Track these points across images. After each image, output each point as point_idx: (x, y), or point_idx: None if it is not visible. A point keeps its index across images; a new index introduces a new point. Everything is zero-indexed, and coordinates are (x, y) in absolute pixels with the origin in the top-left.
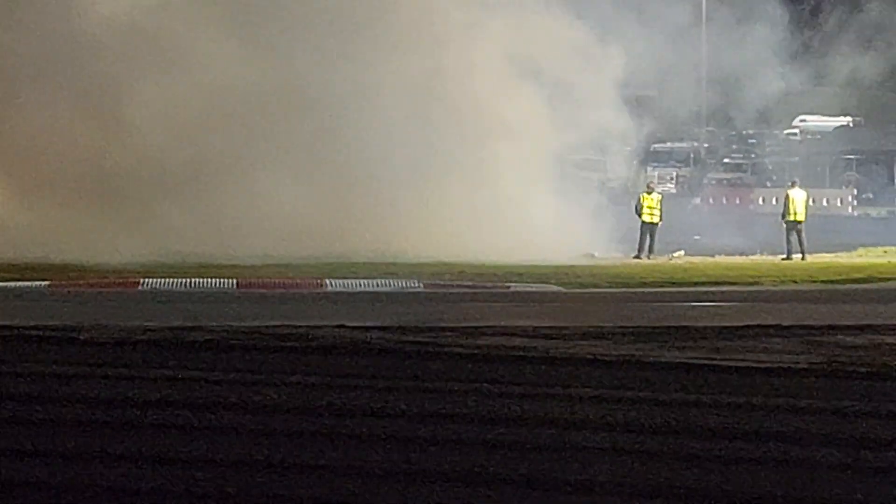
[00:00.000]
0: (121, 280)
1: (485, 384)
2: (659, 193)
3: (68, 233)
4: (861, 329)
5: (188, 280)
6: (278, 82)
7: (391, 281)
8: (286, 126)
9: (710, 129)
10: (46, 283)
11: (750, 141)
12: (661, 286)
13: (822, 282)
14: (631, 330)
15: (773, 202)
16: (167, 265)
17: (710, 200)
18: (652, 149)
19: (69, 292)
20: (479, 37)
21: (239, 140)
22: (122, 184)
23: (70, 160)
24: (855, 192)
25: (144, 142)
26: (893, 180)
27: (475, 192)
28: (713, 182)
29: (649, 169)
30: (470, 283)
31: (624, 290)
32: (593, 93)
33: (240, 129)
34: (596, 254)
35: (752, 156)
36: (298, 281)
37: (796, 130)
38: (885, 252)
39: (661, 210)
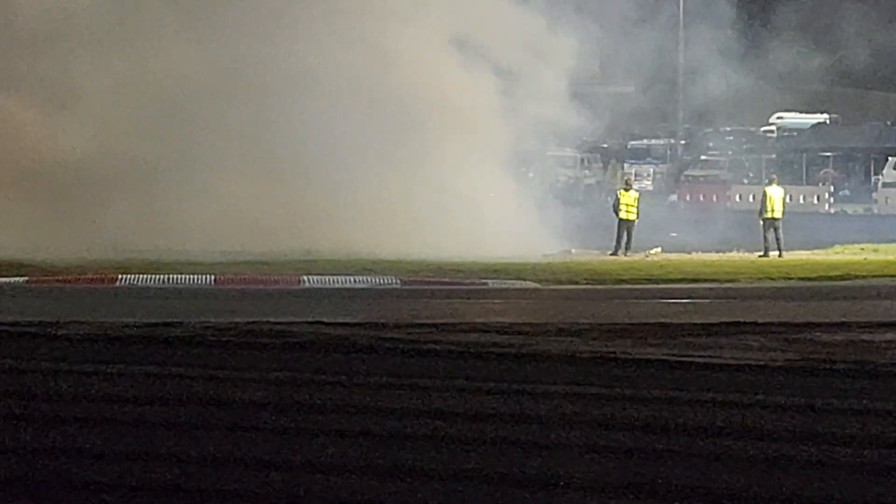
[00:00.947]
0: (98, 276)
1: (462, 381)
2: (636, 190)
3: (14, 228)
4: (838, 326)
5: (166, 276)
6: (224, 72)
7: (368, 278)
8: (234, 118)
9: (686, 125)
10: (24, 278)
11: (727, 138)
12: (638, 283)
13: (799, 279)
14: (608, 327)
15: (750, 199)
16: (146, 261)
17: (687, 197)
18: (629, 146)
19: (47, 288)
20: (431, 24)
21: (188, 134)
22: (69, 179)
23: (16, 156)
24: (832, 189)
25: (92, 136)
26: (870, 178)
27: (436, 186)
28: (690, 179)
29: (626, 166)
30: (447, 280)
31: (601, 286)
32: (551, 85)
33: (188, 122)
34: (573, 250)
35: (729, 153)
36: (276, 277)
37: (773, 127)
38: (862, 249)
39: (638, 207)
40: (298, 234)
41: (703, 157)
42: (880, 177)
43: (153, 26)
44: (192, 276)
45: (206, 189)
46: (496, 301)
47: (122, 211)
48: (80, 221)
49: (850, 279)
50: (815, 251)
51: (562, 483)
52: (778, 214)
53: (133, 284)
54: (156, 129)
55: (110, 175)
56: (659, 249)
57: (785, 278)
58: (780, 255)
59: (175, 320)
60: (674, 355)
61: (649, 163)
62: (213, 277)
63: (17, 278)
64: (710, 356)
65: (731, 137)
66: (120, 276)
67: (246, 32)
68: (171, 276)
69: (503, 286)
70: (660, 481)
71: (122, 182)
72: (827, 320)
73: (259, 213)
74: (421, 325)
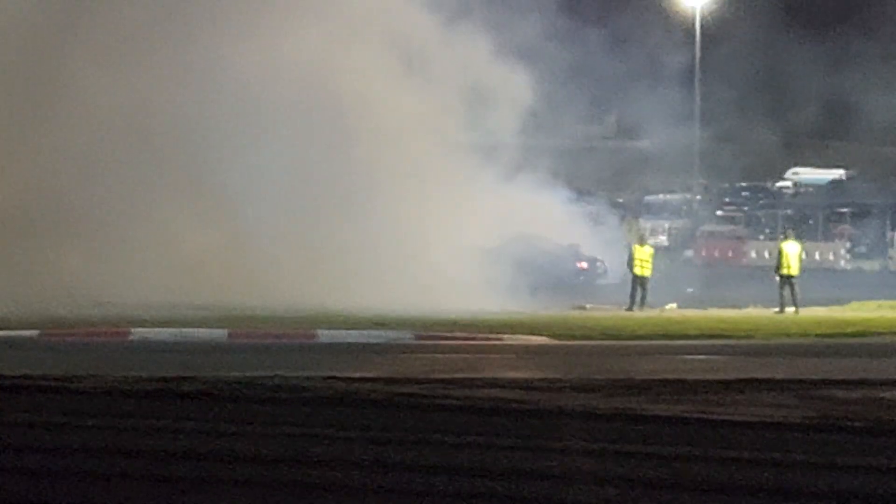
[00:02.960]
0: (112, 329)
1: (476, 436)
2: (651, 246)
3: None
4: (855, 383)
5: (179, 329)
6: (158, 111)
7: (382, 332)
8: (179, 159)
9: (702, 181)
10: (37, 331)
11: (743, 193)
12: (654, 339)
13: (816, 335)
14: (623, 383)
15: (766, 255)
16: (157, 316)
17: (703, 253)
18: (644, 201)
19: (61, 341)
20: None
21: (132, 177)
22: (15, 227)
23: None
24: (848, 245)
25: (36, 184)
26: (886, 234)
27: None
28: (706, 234)
29: (641, 220)
30: (462, 335)
31: (616, 342)
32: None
33: (132, 165)
34: (588, 306)
35: (745, 208)
36: (290, 331)
37: (789, 183)
38: (879, 306)
39: (652, 262)
40: (249, 283)
41: (718, 213)
42: None
43: (90, 68)
44: (205, 330)
45: (155, 235)
46: (511, 356)
47: (68, 260)
48: (18, 271)
49: (866, 336)
50: (832, 307)
51: None
52: (794, 271)
53: (146, 338)
54: (99, 175)
55: (55, 223)
56: (675, 305)
57: (801, 335)
58: (796, 312)
59: (188, 374)
60: (690, 412)
61: (665, 218)
62: (226, 332)
63: (31, 331)
64: (726, 413)
65: (748, 193)
66: (132, 330)
67: (180, 68)
68: (183, 329)
69: (518, 341)
70: None
71: (69, 230)
72: (844, 377)
73: (209, 260)
74: (435, 380)
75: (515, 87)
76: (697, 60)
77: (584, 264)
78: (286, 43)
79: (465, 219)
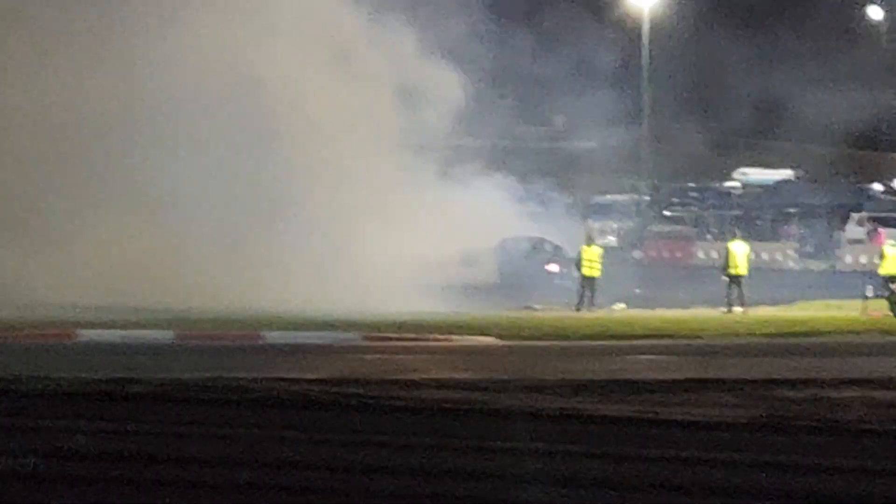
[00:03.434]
0: (58, 331)
1: (424, 438)
2: (599, 246)
3: None
4: (802, 383)
5: (126, 331)
6: (91, 110)
7: (330, 334)
8: (106, 156)
9: (650, 181)
10: None
11: (691, 193)
12: (602, 339)
13: (763, 335)
14: (571, 383)
15: (714, 255)
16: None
17: (651, 253)
18: (592, 201)
19: (4, 343)
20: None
21: (65, 176)
22: None
23: None
24: (796, 245)
25: None
26: (834, 234)
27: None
28: (654, 235)
29: (590, 221)
30: (410, 336)
31: (564, 343)
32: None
33: (65, 164)
34: (536, 307)
35: (693, 208)
36: (236, 333)
37: (737, 183)
38: (826, 306)
39: (601, 263)
40: (195, 285)
41: (666, 213)
42: (844, 233)
43: (17, 66)
44: (151, 331)
45: (92, 236)
46: (459, 357)
47: (4, 261)
48: None
49: (814, 336)
50: (779, 307)
51: None
52: (742, 271)
53: (92, 339)
54: (35, 175)
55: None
56: (623, 305)
57: (749, 335)
58: (743, 312)
59: (135, 376)
60: (638, 412)
61: (613, 218)
62: (172, 333)
63: None
64: (674, 413)
65: (695, 193)
66: (78, 331)
67: (112, 67)
68: (130, 330)
69: (466, 342)
70: None
71: (6, 230)
72: (791, 377)
73: (150, 261)
74: (383, 381)
75: (454, 86)
76: (645, 61)
77: (555, 267)
78: (215, 41)
79: (409, 220)
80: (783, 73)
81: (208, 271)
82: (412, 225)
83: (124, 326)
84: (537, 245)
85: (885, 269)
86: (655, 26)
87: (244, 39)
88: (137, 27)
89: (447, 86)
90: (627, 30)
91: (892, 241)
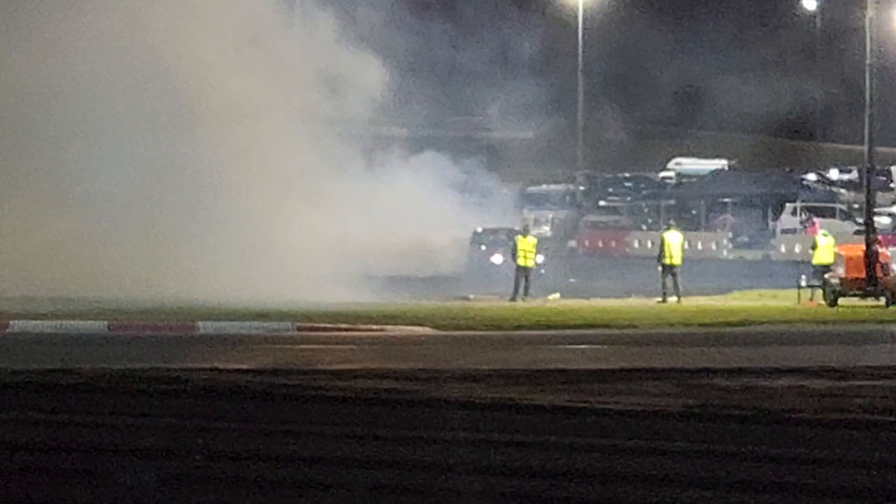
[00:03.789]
0: None
1: (358, 427)
2: (534, 236)
3: None
4: (735, 372)
5: (59, 322)
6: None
7: (264, 324)
8: (22, 145)
9: (585, 171)
10: None
11: (626, 184)
12: (537, 329)
13: (698, 325)
14: (506, 373)
15: (649, 245)
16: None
17: (586, 243)
18: (527, 191)
19: None
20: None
21: None
22: None
23: None
24: (730, 235)
25: None
26: (768, 224)
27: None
28: (589, 225)
29: (525, 211)
30: (344, 326)
31: (499, 332)
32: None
33: None
34: (471, 296)
35: (628, 199)
36: (170, 323)
37: (671, 173)
38: (760, 295)
39: (536, 253)
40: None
41: (601, 203)
42: (778, 223)
43: None
44: (85, 322)
45: (12, 225)
46: (394, 347)
47: None
48: None
49: (747, 325)
50: (714, 297)
51: None
52: (676, 260)
53: (25, 330)
54: None
55: None
56: (558, 295)
57: (683, 324)
58: (678, 301)
59: (68, 367)
60: (572, 401)
61: (548, 209)
62: (106, 323)
63: None
64: (608, 402)
65: (630, 183)
66: (11, 322)
67: (22, 52)
68: (63, 321)
69: (401, 332)
70: None
71: None
72: (724, 366)
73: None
74: (317, 371)
75: (378, 75)
76: (581, 51)
77: (499, 258)
78: (129, 26)
79: (335, 209)
80: (715, 62)
81: (131, 261)
82: (339, 214)
83: (57, 317)
84: (510, 235)
85: (818, 258)
86: (586, 15)
87: (159, 25)
88: (48, 12)
89: (371, 73)
90: (558, 20)
91: (824, 231)
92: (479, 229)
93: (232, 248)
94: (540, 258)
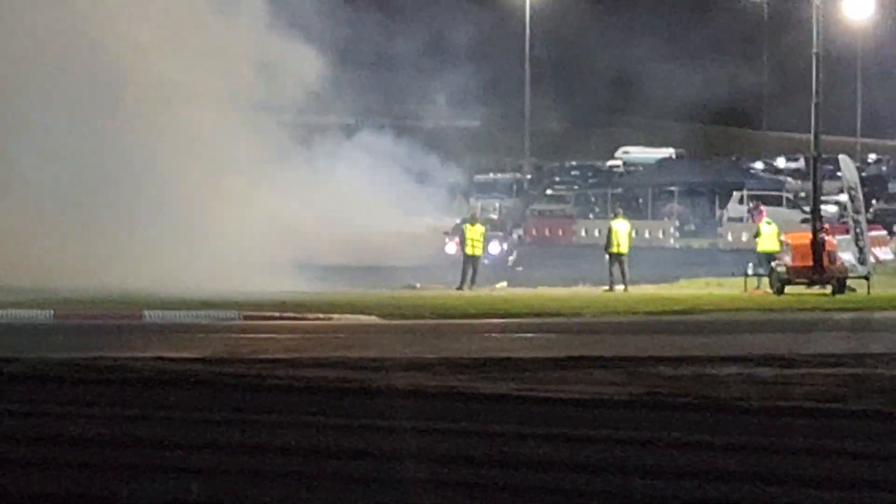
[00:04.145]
0: None
1: (304, 416)
2: (482, 225)
3: None
4: (682, 360)
5: (3, 311)
6: None
7: (210, 312)
8: None
9: (532, 160)
10: None
11: (573, 172)
12: (484, 318)
13: (645, 313)
14: (452, 361)
15: (596, 234)
16: None
17: (533, 232)
18: (475, 180)
19: None
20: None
21: None
22: None
23: None
24: (677, 223)
25: None
26: (715, 212)
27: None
28: (536, 213)
29: (472, 200)
30: (291, 315)
31: (446, 321)
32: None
33: None
34: (417, 285)
35: (575, 187)
36: (116, 312)
37: (619, 162)
38: (707, 284)
39: (484, 242)
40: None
41: (548, 192)
42: (725, 211)
43: None
44: (30, 311)
45: None
46: (340, 336)
47: None
48: None
49: (694, 313)
50: (661, 285)
51: None
52: (623, 249)
53: None
54: None
55: None
56: (505, 284)
57: (630, 312)
58: (625, 290)
59: (13, 356)
60: (519, 390)
61: (496, 197)
62: (52, 312)
63: None
64: (555, 391)
65: (577, 172)
66: None
67: None
68: (8, 310)
69: (347, 321)
70: None
71: None
72: (671, 354)
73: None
74: (262, 360)
75: (315, 62)
76: (528, 39)
77: (453, 248)
78: (57, 8)
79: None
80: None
81: (71, 249)
82: (278, 202)
83: (2, 307)
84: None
85: (762, 246)
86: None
87: (88, 7)
88: None
89: (308, 60)
90: (500, 8)
91: (767, 219)
92: (458, 221)
93: (169, 236)
94: (505, 245)
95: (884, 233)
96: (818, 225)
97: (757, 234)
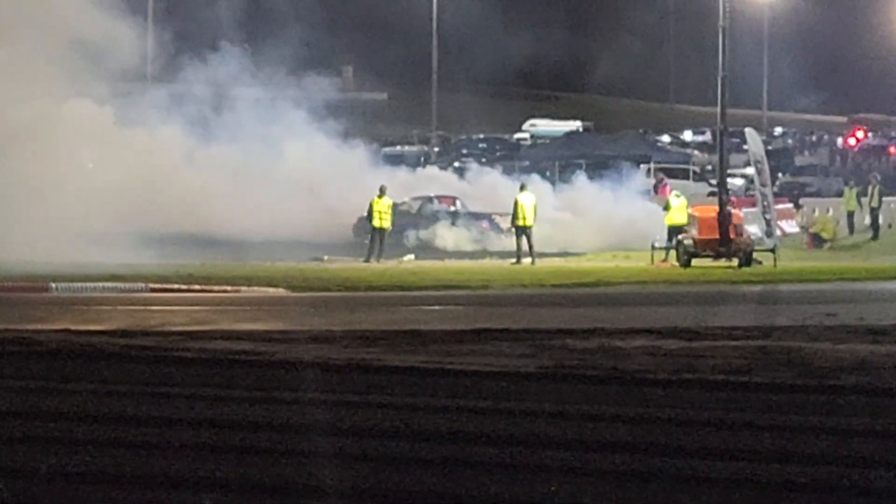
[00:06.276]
0: None
1: (212, 388)
2: (390, 198)
3: None
4: (589, 333)
5: None
6: None
7: (118, 284)
8: None
9: (439, 132)
10: None
11: (480, 145)
12: (391, 290)
13: (552, 286)
14: (359, 334)
15: None
16: None
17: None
18: (382, 152)
19: None
20: None
21: None
22: None
23: None
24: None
25: None
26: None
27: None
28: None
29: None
30: (197, 287)
31: (353, 294)
32: None
33: None
34: (325, 258)
35: (482, 160)
36: (21, 284)
37: (526, 134)
38: (613, 256)
39: (392, 215)
40: None
41: (455, 164)
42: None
43: None
44: None
45: None
46: (247, 308)
47: None
48: None
49: (601, 286)
50: (567, 258)
51: (313, 492)
52: (530, 222)
53: None
54: None
55: None
56: (412, 257)
57: (537, 285)
58: (532, 263)
59: None
60: (426, 362)
61: (403, 170)
62: None
63: None
64: (462, 363)
65: (485, 144)
66: None
67: None
68: None
69: (255, 293)
70: (411, 488)
71: None
72: (578, 327)
73: None
74: (169, 333)
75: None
76: (435, 9)
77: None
78: None
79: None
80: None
81: None
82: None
83: None
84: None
85: (671, 219)
86: None
87: None
88: None
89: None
90: None
91: (677, 192)
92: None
93: (18, 209)
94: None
95: (790, 206)
96: (725, 198)
97: (666, 207)
